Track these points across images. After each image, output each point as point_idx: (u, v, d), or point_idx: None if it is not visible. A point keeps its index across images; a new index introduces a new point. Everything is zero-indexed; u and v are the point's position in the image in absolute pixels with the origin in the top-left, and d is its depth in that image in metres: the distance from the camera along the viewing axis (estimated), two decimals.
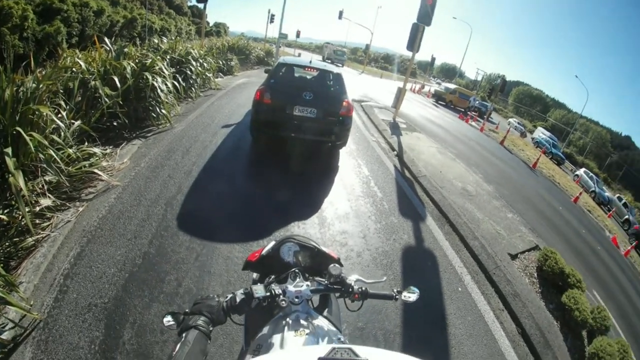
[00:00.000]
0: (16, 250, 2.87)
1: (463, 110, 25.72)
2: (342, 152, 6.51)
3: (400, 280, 3.50)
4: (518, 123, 35.55)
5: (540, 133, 30.50)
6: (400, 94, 11.28)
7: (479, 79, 58.47)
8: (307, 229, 3.98)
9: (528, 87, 59.84)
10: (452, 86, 30.92)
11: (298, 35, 39.05)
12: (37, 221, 3.20)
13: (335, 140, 5.66)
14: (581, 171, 23.89)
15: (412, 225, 4.63)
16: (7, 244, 2.84)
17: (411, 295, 1.35)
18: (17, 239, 2.92)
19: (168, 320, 1.05)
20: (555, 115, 50.90)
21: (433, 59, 38.07)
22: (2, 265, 2.53)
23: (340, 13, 33.60)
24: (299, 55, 29.85)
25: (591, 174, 23.81)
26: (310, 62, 6.34)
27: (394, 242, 4.11)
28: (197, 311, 1.05)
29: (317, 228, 4.05)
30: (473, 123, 20.91)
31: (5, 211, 2.93)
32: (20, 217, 2.91)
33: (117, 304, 2.59)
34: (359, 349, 0.77)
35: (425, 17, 9.36)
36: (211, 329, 1.03)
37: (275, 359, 0.81)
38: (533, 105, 54.87)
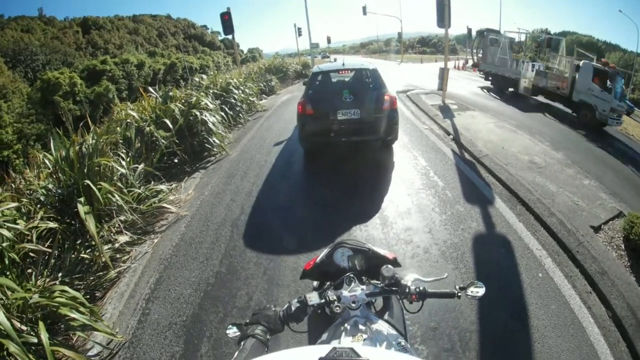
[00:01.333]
0: (101, 283, 3.27)
1: None
2: (396, 146, 6.36)
3: (473, 273, 3.28)
4: None
5: None
6: (444, 75, 10.78)
7: (523, 39, 54.11)
8: (369, 231, 3.94)
9: (576, 36, 54.04)
10: None
11: (329, 41, 39.54)
12: (118, 256, 3.62)
13: (384, 137, 5.57)
14: None
15: (480, 210, 4.34)
16: (91, 278, 3.24)
17: (478, 290, 1.22)
18: (100, 273, 3.32)
19: (234, 331, 1.11)
20: (612, 59, 45.01)
21: (469, 30, 35.84)
22: (87, 297, 2.87)
23: (364, 9, 33.21)
24: (335, 60, 29.95)
25: None
26: (343, 64, 6.33)
27: (462, 233, 3.88)
28: (255, 321, 1.10)
29: (380, 228, 3.99)
30: None
31: (87, 251, 3.33)
32: (100, 255, 3.28)
33: (194, 320, 2.83)
34: (360, 349, 0.74)
35: None
36: (269, 337, 1.06)
37: (275, 359, 0.80)
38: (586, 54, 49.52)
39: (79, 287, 3.05)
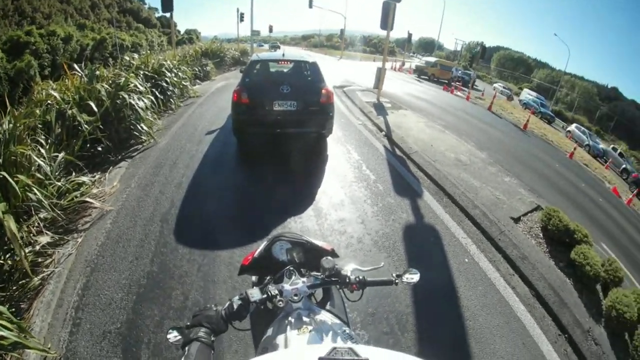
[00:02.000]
0: (25, 293, 2.88)
1: (447, 81, 25.66)
2: (330, 140, 6.46)
3: (405, 261, 3.50)
4: (503, 87, 35.52)
5: (527, 94, 30.54)
6: (380, 74, 11.22)
7: (459, 49, 58.31)
8: (303, 223, 3.97)
9: (509, 51, 59.55)
10: (432, 59, 30.81)
11: (271, 30, 38.57)
12: (40, 259, 3.19)
13: (320, 130, 5.62)
14: (573, 126, 23.97)
15: (410, 203, 4.63)
16: (14, 288, 2.85)
17: (413, 277, 1.32)
18: (23, 281, 2.92)
19: (175, 335, 1.06)
20: (540, 75, 50.76)
21: (410, 35, 37.75)
22: (12, 310, 2.52)
23: (310, 1, 33.08)
24: (275, 50, 29.60)
25: (583, 128, 23.91)
26: (283, 54, 6.26)
27: (393, 223, 4.10)
28: (197, 323, 1.06)
29: (314, 220, 4.05)
30: (458, 93, 20.93)
31: (7, 256, 2.92)
32: (20, 260, 2.88)
33: (129, 327, 2.62)
34: (359, 348, 0.76)
35: None
36: (213, 339, 1.03)
37: (275, 359, 0.80)
38: (516, 68, 54.65)
39: (1, 299, 2.67)
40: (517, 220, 4.64)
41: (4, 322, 2.23)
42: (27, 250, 2.99)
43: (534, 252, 3.96)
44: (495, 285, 3.36)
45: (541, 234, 4.42)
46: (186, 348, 0.97)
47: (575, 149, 14.54)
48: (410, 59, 50.41)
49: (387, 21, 9.58)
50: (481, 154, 7.19)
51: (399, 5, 9.49)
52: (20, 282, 2.90)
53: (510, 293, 3.29)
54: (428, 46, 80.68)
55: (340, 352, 0.74)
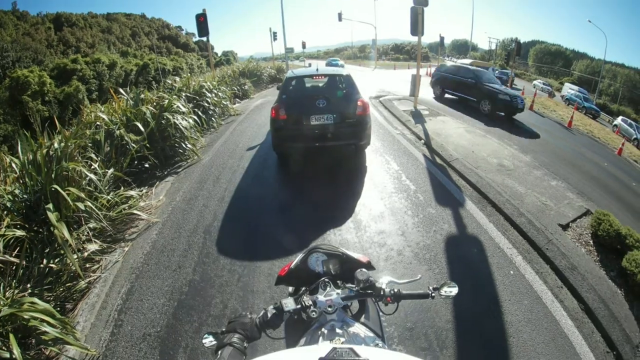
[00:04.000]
0: (71, 294, 3.12)
1: None
2: (368, 150, 6.43)
3: (446, 273, 3.36)
4: (544, 84, 33.69)
5: (569, 89, 28.76)
6: (415, 81, 11.04)
7: (493, 47, 56.29)
8: (343, 235, 3.95)
9: (545, 45, 56.42)
10: (467, 61, 29.92)
11: (304, 46, 39.59)
12: (87, 265, 3.47)
13: (357, 141, 5.61)
14: (619, 120, 22.06)
15: (452, 212, 4.46)
16: (61, 289, 3.09)
17: (451, 290, 1.25)
18: (70, 283, 3.16)
19: (210, 340, 1.09)
20: (579, 67, 47.62)
21: (442, 38, 37.04)
22: (58, 309, 2.74)
23: (340, 15, 33.52)
24: (309, 65, 30.23)
25: (629, 120, 21.90)
26: (317, 69, 6.36)
27: (434, 234, 3.97)
28: (231, 329, 1.09)
29: (354, 232, 4.01)
30: None
31: (56, 260, 3.17)
32: (70, 264, 3.13)
33: (169, 331, 2.75)
34: (359, 349, 0.75)
35: None
36: (246, 345, 1.05)
37: (275, 359, 0.80)
38: (554, 62, 51.67)
39: (48, 298, 2.90)
40: (565, 227, 4.32)
41: (48, 319, 2.41)
42: (75, 256, 3.23)
43: (584, 261, 3.65)
44: (542, 298, 3.11)
45: (591, 241, 4.08)
46: (219, 352, 1.00)
47: (623, 144, 13.30)
48: (445, 62, 49.31)
49: (416, 27, 9.47)
50: (525, 157, 6.82)
51: (428, 9, 9.39)
52: (67, 285, 3.15)
53: (558, 307, 3.03)
54: (462, 48, 78.54)
55: (341, 352, 0.73)
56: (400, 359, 0.78)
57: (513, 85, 26.47)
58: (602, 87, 39.66)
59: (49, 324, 2.40)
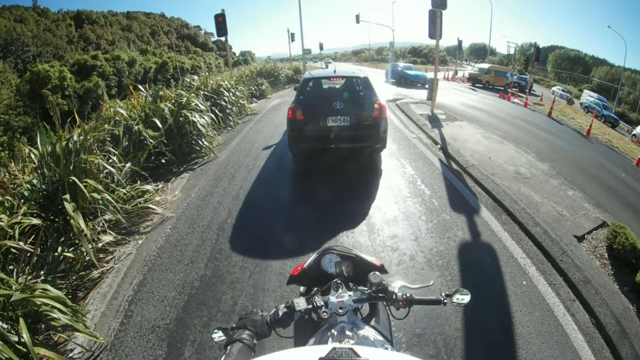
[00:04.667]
0: (83, 283, 3.21)
1: (502, 88, 24.33)
2: (384, 154, 6.39)
3: (458, 281, 3.31)
4: (563, 90, 32.97)
5: (588, 96, 28.06)
6: (433, 85, 10.95)
7: (512, 52, 55.24)
8: (355, 238, 3.95)
9: (564, 50, 54.94)
10: (485, 66, 29.52)
11: (321, 47, 39.77)
12: (101, 255, 3.55)
13: (373, 144, 5.58)
14: (638, 129, 21.34)
15: (466, 219, 4.40)
16: (74, 277, 3.17)
17: (463, 298, 1.24)
18: (83, 272, 3.25)
19: (219, 335, 1.11)
20: (599, 73, 46.19)
21: (460, 42, 36.69)
22: (70, 297, 2.80)
23: (357, 17, 33.44)
24: (326, 66, 30.32)
25: None
26: (335, 71, 6.36)
27: (448, 241, 3.92)
28: (242, 325, 1.10)
29: (367, 235, 4.00)
30: (515, 100, 19.76)
31: (71, 249, 3.26)
32: (84, 253, 3.22)
33: (178, 324, 2.79)
34: (359, 349, 0.75)
35: (439, 1, 9.09)
36: (255, 342, 1.06)
37: (275, 359, 0.80)
38: (573, 68, 50.26)
39: (61, 286, 2.98)
40: (580, 238, 4.21)
41: (59, 305, 2.47)
42: (90, 246, 3.30)
43: (598, 274, 3.54)
44: (554, 311, 3.03)
45: (606, 254, 3.97)
46: (228, 347, 1.00)
47: None
48: (463, 66, 48.69)
49: (434, 29, 9.39)
50: (542, 166, 6.68)
51: (446, 12, 9.30)
52: (80, 273, 3.23)
53: (569, 321, 2.95)
54: (480, 52, 77.44)
55: (341, 352, 0.73)
56: (400, 358, 0.78)
57: (532, 91, 26.02)
58: (621, 95, 38.54)
59: (59, 310, 2.45)
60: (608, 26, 40.06)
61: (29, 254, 2.97)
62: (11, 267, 2.86)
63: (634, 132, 21.77)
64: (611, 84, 39.53)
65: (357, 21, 33.55)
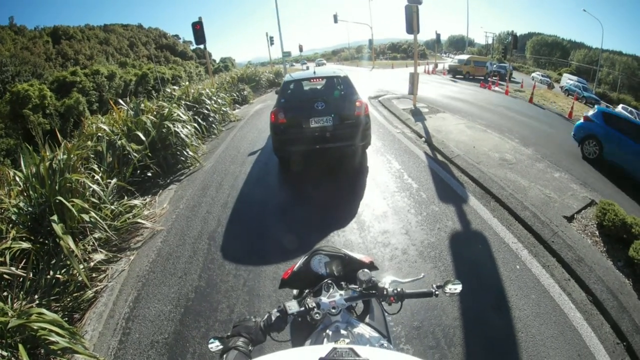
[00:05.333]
0: (78, 304, 3.15)
1: (482, 78, 24.72)
2: (369, 151, 6.43)
3: (452, 271, 3.35)
4: (542, 76, 33.62)
5: (567, 80, 28.81)
6: (414, 79, 11.04)
7: (490, 42, 56.20)
8: (347, 236, 3.95)
9: (542, 36, 56.10)
10: (465, 57, 29.90)
11: (301, 49, 39.90)
12: (94, 275, 3.49)
13: (358, 142, 5.61)
14: (619, 108, 22.01)
15: (455, 209, 4.45)
16: (68, 299, 3.12)
17: (455, 287, 1.25)
18: (77, 293, 3.19)
19: (216, 345, 1.10)
20: (577, 57, 47.32)
21: (438, 35, 37.20)
22: (66, 319, 2.76)
23: (335, 17, 33.63)
24: (307, 68, 30.39)
25: (630, 108, 21.83)
26: (315, 72, 6.38)
27: (439, 232, 3.96)
28: (236, 333, 1.10)
29: (357, 233, 4.01)
30: (496, 88, 20.10)
31: (63, 271, 3.20)
32: (76, 274, 3.17)
33: (176, 337, 2.77)
34: (360, 349, 0.76)
35: None
36: (251, 348, 1.06)
37: (276, 359, 0.80)
38: (551, 53, 51.39)
39: (56, 309, 2.93)
40: (570, 218, 4.30)
41: (56, 329, 2.44)
42: (81, 266, 3.26)
43: (590, 252, 3.63)
44: (550, 292, 3.09)
45: (597, 232, 4.07)
46: (224, 356, 1.00)
47: None
48: (442, 59, 49.22)
49: (412, 25, 9.48)
50: (527, 151, 6.81)
51: (422, 7, 9.40)
52: (74, 295, 3.17)
53: (566, 300, 3.01)
54: (458, 44, 78.46)
55: (341, 352, 0.73)
56: (400, 358, 0.78)
57: (512, 79, 26.46)
58: (600, 75, 39.48)
59: (57, 334, 2.42)
60: (584, 10, 40.93)
61: (21, 279, 2.92)
62: (5, 293, 2.80)
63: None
64: (590, 66, 40.47)
65: (335, 21, 33.74)
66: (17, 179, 3.97)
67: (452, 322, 2.75)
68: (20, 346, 2.18)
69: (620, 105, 22.72)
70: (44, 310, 2.50)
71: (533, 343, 2.59)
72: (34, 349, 2.47)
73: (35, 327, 2.37)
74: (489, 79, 23.69)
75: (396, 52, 69.82)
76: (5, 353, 2.21)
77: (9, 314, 2.42)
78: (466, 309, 2.85)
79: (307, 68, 26.86)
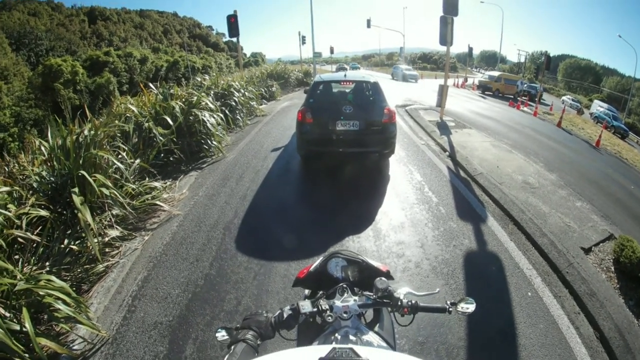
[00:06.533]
0: (88, 276, 3.22)
1: (512, 96, 24.17)
2: (392, 159, 6.39)
3: (463, 289, 3.29)
4: (572, 100, 32.75)
5: (598, 107, 27.77)
6: (442, 92, 10.92)
7: (522, 60, 54.91)
8: (361, 243, 3.94)
9: (575, 59, 54.39)
10: (496, 73, 29.39)
11: (332, 51, 39.97)
12: (107, 250, 3.58)
13: (382, 150, 5.58)
14: None
15: (473, 228, 4.37)
16: (79, 270, 3.20)
17: (468, 307, 1.23)
18: (88, 266, 3.27)
19: (223, 335, 1.11)
20: (609, 83, 45.68)
21: (470, 49, 36.53)
22: (74, 289, 2.82)
23: (368, 22, 33.58)
24: (347, 69, 30.51)
25: None
26: (345, 75, 6.37)
27: (454, 249, 3.89)
28: (246, 326, 1.10)
29: (372, 241, 3.99)
30: (525, 108, 19.62)
31: (77, 242, 3.29)
32: (90, 247, 3.24)
33: (180, 322, 2.80)
34: (360, 349, 0.76)
35: (450, 7, 9.05)
36: (259, 343, 1.06)
37: (276, 359, 0.80)
38: (584, 77, 49.72)
39: (65, 278, 3.00)
40: (587, 250, 4.16)
41: (63, 297, 2.48)
42: (96, 240, 3.34)
43: (604, 288, 3.49)
44: (558, 323, 3.00)
45: (613, 267, 3.92)
46: (232, 347, 1.01)
47: None
48: (473, 73, 48.45)
49: (445, 36, 9.37)
50: (551, 176, 6.62)
51: (457, 19, 9.27)
52: (85, 266, 3.25)
53: (573, 334, 2.92)
54: (490, 59, 77.06)
55: (341, 352, 0.73)
56: (400, 358, 0.78)
57: (541, 100, 25.82)
58: (631, 105, 38.04)
59: (63, 302, 2.46)
60: (619, 35, 39.90)
61: (35, 245, 2.99)
62: (17, 257, 2.88)
63: None
64: (621, 94, 39.10)
65: (369, 26, 33.69)
66: (42, 148, 4.08)
67: (457, 341, 2.70)
68: (24, 309, 2.21)
69: None
70: (52, 277, 2.54)
71: None
72: (37, 314, 2.53)
73: (41, 293, 2.41)
74: (519, 98, 23.16)
75: (426, 63, 69.24)
76: (8, 314, 2.26)
77: (18, 277, 2.48)
78: (473, 330, 2.80)
79: (347, 70, 26.87)
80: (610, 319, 3.10)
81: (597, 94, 42.33)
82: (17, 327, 2.23)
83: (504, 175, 6.12)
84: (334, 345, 0.78)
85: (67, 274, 3.09)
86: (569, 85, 50.27)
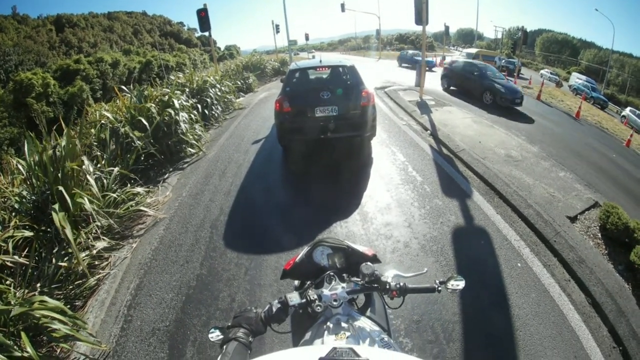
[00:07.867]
0: (81, 292, 3.16)
1: None
2: (374, 142, 6.39)
3: (454, 266, 3.34)
4: (551, 73, 33.20)
5: (576, 79, 28.32)
6: (420, 71, 10.93)
7: (499, 36, 55.36)
8: (349, 227, 3.94)
9: (552, 33, 55.10)
10: (473, 50, 29.64)
11: (307, 38, 39.54)
12: (96, 262, 3.50)
13: (363, 133, 5.58)
14: (627, 111, 21.65)
15: (459, 204, 4.42)
16: (70, 287, 3.13)
17: (458, 284, 1.24)
18: (79, 281, 3.20)
19: (216, 335, 1.10)
20: (587, 56, 46.56)
21: (447, 28, 36.69)
22: (68, 307, 2.77)
23: (342, 6, 33.19)
24: (313, 57, 30.15)
25: (638, 111, 21.55)
26: (321, 61, 6.31)
27: (441, 226, 3.94)
28: (236, 324, 1.09)
29: (360, 224, 4.00)
30: None
31: (65, 259, 3.20)
32: (77, 262, 3.17)
33: (177, 325, 2.79)
34: (360, 349, 0.75)
35: None
36: (251, 339, 1.05)
37: (275, 359, 0.79)
38: (561, 51, 50.51)
39: (58, 296, 2.94)
40: (573, 219, 4.27)
41: (58, 316, 2.45)
42: (84, 254, 3.28)
43: (592, 254, 3.59)
44: (550, 291, 3.08)
45: (599, 234, 4.03)
46: (224, 346, 1.00)
47: (632, 135, 13.06)
48: (450, 52, 48.63)
49: (421, 16, 9.34)
50: (533, 148, 6.74)
51: None
52: (76, 283, 3.18)
53: (565, 300, 3.00)
54: (467, 37, 77.36)
55: (341, 352, 0.73)
56: (400, 358, 0.78)
57: (520, 75, 26.13)
58: (610, 77, 38.91)
59: (60, 321, 2.43)
60: (595, 9, 40.34)
61: (23, 267, 2.92)
62: (7, 282, 2.81)
63: (622, 113, 22.11)
64: (599, 66, 39.84)
65: (343, 10, 33.32)
66: (20, 167, 3.96)
67: (452, 317, 2.75)
68: (23, 334, 2.18)
69: (629, 108, 22.37)
70: (46, 298, 2.51)
71: (531, 342, 2.59)
72: (36, 337, 2.49)
73: (37, 315, 2.37)
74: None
75: (403, 43, 69.03)
76: (8, 342, 2.21)
77: (12, 302, 2.43)
78: (466, 304, 2.85)
79: (314, 57, 26.64)
80: (601, 284, 3.19)
81: (575, 67, 43.02)
82: (19, 354, 2.19)
83: (486, 150, 6.20)
84: (334, 344, 0.77)
85: (60, 292, 3.02)
86: (547, 59, 50.94)
